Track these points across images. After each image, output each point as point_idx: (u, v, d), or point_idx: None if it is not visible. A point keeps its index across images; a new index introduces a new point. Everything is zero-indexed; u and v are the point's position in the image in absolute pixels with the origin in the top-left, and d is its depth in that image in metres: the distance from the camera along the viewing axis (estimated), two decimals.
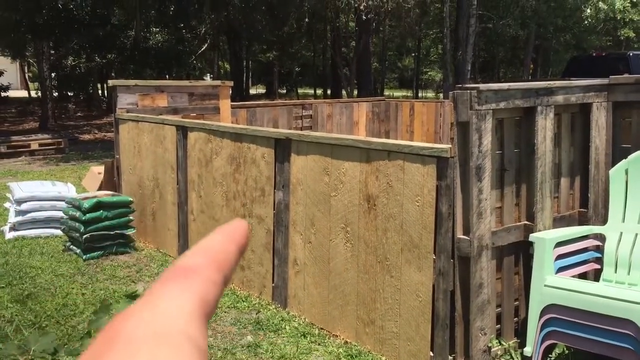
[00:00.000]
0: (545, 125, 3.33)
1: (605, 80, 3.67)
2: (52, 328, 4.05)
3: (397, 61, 46.74)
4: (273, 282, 4.43)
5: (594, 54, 15.44)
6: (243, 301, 4.51)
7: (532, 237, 3.23)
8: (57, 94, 21.58)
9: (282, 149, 4.26)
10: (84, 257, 5.56)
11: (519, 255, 3.44)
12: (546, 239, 3.17)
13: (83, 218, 5.52)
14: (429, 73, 44.06)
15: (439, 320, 3.20)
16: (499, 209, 3.32)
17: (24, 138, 13.19)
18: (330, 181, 3.86)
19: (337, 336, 3.86)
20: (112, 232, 5.68)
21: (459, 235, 3.10)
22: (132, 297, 2.85)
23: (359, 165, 3.64)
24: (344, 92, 26.10)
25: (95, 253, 5.62)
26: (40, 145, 12.92)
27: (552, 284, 3.06)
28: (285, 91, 43.96)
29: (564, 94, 3.43)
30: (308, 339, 3.84)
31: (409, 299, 3.35)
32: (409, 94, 40.18)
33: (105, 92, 34.04)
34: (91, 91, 25.21)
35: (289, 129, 8.84)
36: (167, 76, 16.24)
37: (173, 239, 5.65)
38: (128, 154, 6.37)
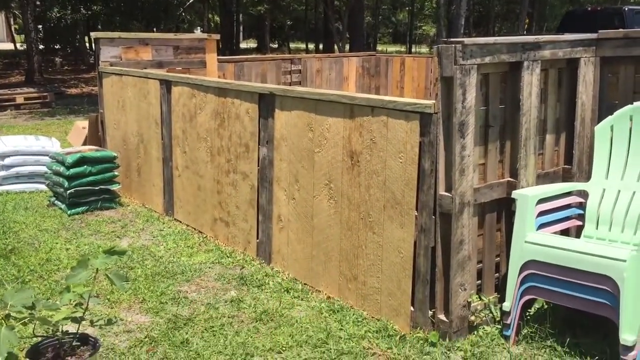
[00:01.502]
0: (531, 81, 3.28)
1: (593, 35, 3.60)
2: (35, 283, 4.05)
3: (392, 15, 45.98)
4: (257, 238, 4.43)
5: (589, 9, 15.23)
6: (228, 257, 4.51)
7: (515, 193, 3.22)
8: (43, 47, 21.14)
9: (266, 104, 4.19)
10: (69, 212, 5.53)
11: (501, 211, 3.44)
12: (528, 195, 3.15)
13: (67, 173, 5.47)
14: (423, 28, 43.47)
15: (419, 275, 3.21)
16: (483, 166, 3.30)
17: (9, 92, 12.97)
18: (314, 137, 3.81)
19: (320, 291, 3.88)
20: (96, 188, 5.64)
21: (441, 192, 3.07)
22: (111, 252, 2.84)
23: (342, 121, 3.59)
24: (335, 47, 25.70)
25: (80, 208, 5.59)
26: (25, 99, 12.72)
27: (532, 240, 3.06)
28: (277, 45, 43.30)
29: (551, 48, 3.36)
30: (291, 294, 3.86)
31: (391, 255, 3.36)
32: (403, 49, 39.70)
33: (92, 44, 33.43)
34: (78, 44, 24.73)
35: (278, 84, 8.73)
36: (154, 29, 15.91)
37: (158, 194, 5.62)
38: (112, 109, 6.27)
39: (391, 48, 42.28)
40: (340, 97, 3.58)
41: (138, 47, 6.61)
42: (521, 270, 3.07)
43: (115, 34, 6.50)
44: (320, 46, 31.33)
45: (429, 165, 3.09)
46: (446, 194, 3.06)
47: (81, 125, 7.07)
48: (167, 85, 5.31)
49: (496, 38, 3.12)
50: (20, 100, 12.60)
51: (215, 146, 4.76)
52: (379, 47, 37.12)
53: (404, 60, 9.31)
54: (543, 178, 3.54)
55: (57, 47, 24.66)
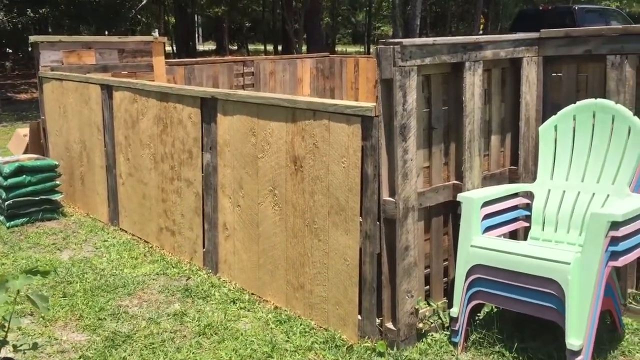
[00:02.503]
0: (473, 82, 3.22)
1: (535, 35, 3.57)
2: None
3: (351, 16, 46.11)
4: (204, 247, 4.28)
5: (541, 8, 15.47)
6: (173, 267, 4.35)
7: (460, 196, 3.16)
8: None
9: (208, 109, 4.05)
10: (7, 224, 5.28)
11: (448, 215, 3.37)
12: (474, 198, 3.10)
13: (4, 183, 5.22)
14: (382, 28, 43.71)
15: (366, 283, 3.12)
16: (427, 169, 3.23)
17: None
18: (257, 142, 3.68)
19: (267, 301, 3.75)
20: (37, 198, 5.39)
21: (385, 197, 2.99)
22: (32, 272, 2.66)
23: (285, 126, 3.47)
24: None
25: (20, 220, 5.34)
26: None
27: (478, 244, 3.00)
28: (236, 47, 42.92)
29: (493, 48, 3.31)
30: (237, 305, 3.73)
31: (337, 263, 3.26)
32: (362, 49, 39.82)
33: None
34: (30, 49, 24.00)
35: (230, 87, 8.57)
36: (106, 32, 15.52)
37: (102, 203, 5.41)
38: (54, 115, 6.02)
39: (351, 49, 42.37)
40: (281, 101, 3.47)
41: (81, 50, 6.38)
42: (468, 274, 3.01)
43: (56, 38, 6.25)
44: (279, 47, 31.18)
45: (372, 169, 3.00)
46: (390, 199, 2.98)
47: (22, 132, 6.78)
48: (108, 90, 5.11)
49: (436, 38, 3.05)
50: None
51: (159, 152, 4.59)
52: (339, 48, 37.19)
53: (358, 61, 9.25)
54: (489, 179, 3.49)
55: (9, 51, 23.87)
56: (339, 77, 9.50)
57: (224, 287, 3.99)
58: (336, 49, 33.78)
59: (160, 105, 4.50)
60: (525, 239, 3.42)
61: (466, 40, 3.17)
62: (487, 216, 3.17)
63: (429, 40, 2.98)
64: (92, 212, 5.59)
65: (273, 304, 3.71)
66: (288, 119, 3.44)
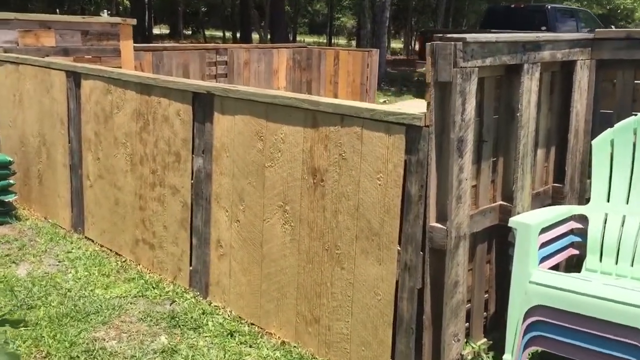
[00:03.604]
0: (530, 87, 2.76)
1: (589, 35, 3.14)
2: None
3: (308, 5, 45.40)
4: (191, 266, 3.70)
5: (512, 6, 15.26)
6: (153, 288, 3.75)
7: (514, 222, 2.69)
8: None
9: (202, 106, 3.46)
10: None
11: (492, 241, 2.92)
12: (531, 224, 2.64)
13: None
14: (341, 19, 43.21)
15: (402, 323, 2.63)
16: (474, 188, 2.76)
17: None
18: (265, 148, 3.13)
19: (271, 334, 3.22)
20: None
21: (432, 222, 2.50)
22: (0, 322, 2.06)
23: (302, 131, 2.93)
24: (255, 36, 24.75)
25: None
26: None
27: (538, 280, 2.55)
28: (190, 32, 41.57)
29: (551, 49, 2.86)
30: (237, 339, 3.18)
31: (365, 297, 2.75)
32: (321, 40, 39.23)
33: None
34: None
35: (202, 77, 7.92)
36: (57, 11, 14.45)
37: (65, 207, 4.73)
38: (7, 103, 5.27)
39: (309, 39, 41.69)
40: (299, 102, 2.92)
41: (39, 31, 5.63)
42: (525, 316, 2.55)
43: (11, 15, 5.48)
44: (238, 35, 30.26)
45: (417, 189, 2.50)
46: (438, 225, 2.49)
47: None
48: (75, 77, 4.43)
49: (497, 35, 2.57)
50: None
51: (137, 153, 3.96)
52: (298, 38, 36.47)
53: (338, 53, 8.75)
54: (534, 199, 3.05)
55: None
56: (317, 70, 8.98)
57: (218, 314, 3.43)
58: (296, 39, 33.13)
59: (141, 98, 3.87)
60: (576, 269, 3.00)
61: (525, 38, 2.70)
62: (543, 244, 2.72)
63: (491, 36, 2.50)
64: (52, 216, 4.90)
65: (279, 337, 3.18)
66: (307, 123, 2.91)
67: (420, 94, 14.86)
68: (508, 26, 13.62)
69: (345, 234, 2.80)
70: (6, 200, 4.80)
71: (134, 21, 6.47)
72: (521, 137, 2.77)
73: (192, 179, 3.61)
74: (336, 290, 2.87)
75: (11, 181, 4.83)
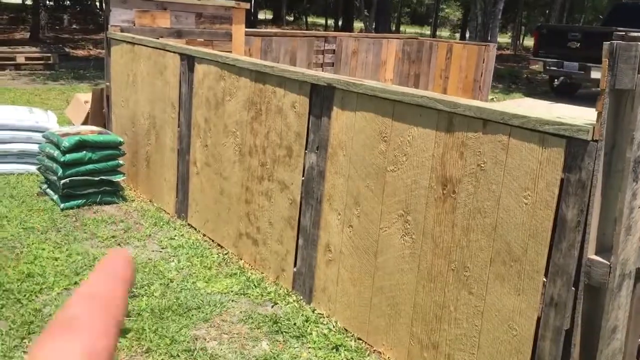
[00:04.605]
0: None
1: None
2: (8, 310, 3.14)
3: None
4: (295, 267, 3.49)
5: None
6: (255, 286, 3.57)
7: None
8: (51, 2, 20.03)
9: (321, 99, 3.22)
10: (62, 205, 4.59)
11: None
12: None
13: (62, 159, 4.52)
14: (446, 10, 42.02)
15: None
16: None
17: (10, 50, 11.95)
18: (388, 150, 2.84)
19: (380, 353, 2.95)
20: (96, 178, 4.69)
21: (591, 255, 2.12)
22: None
23: (433, 134, 2.62)
24: (357, 24, 24.40)
25: (75, 202, 4.65)
26: (27, 58, 11.71)
27: None
28: (292, 18, 41.86)
29: None
30: (342, 354, 2.93)
31: (497, 329, 2.41)
32: (423, 31, 38.35)
33: (103, 4, 32.18)
34: (89, 2, 23.58)
35: (308, 64, 7.73)
36: None
37: (170, 192, 4.67)
38: (120, 83, 5.29)
39: (410, 29, 40.88)
40: (433, 101, 2.61)
41: (155, 11, 5.61)
42: None
43: None
44: (340, 22, 30.07)
45: (575, 214, 2.13)
46: (599, 259, 2.11)
47: (83, 98, 6.09)
48: (189, 61, 4.32)
49: None
50: (21, 59, 11.59)
51: (247, 144, 3.79)
52: (400, 29, 35.80)
53: (452, 46, 8.29)
54: None
55: (67, 3, 23.52)
56: (427, 63, 8.56)
57: (322, 323, 3.19)
58: (399, 29, 32.53)
59: (255, 86, 3.68)
60: None
61: None
62: None
63: None
64: (156, 200, 4.86)
65: (388, 357, 2.90)
66: (440, 126, 2.59)
67: (530, 93, 14.03)
68: (637, 25, 12.53)
69: (478, 255, 2.46)
70: (115, 180, 4.81)
71: (247, 5, 6.36)
72: None
73: (303, 176, 3.39)
74: (461, 317, 2.55)
75: (120, 162, 4.83)
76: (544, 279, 2.24)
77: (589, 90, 15.00)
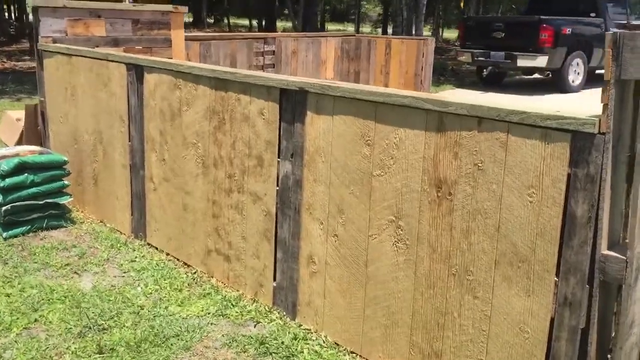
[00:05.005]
0: None
1: None
2: None
3: None
4: (275, 281, 3.32)
5: None
6: (233, 305, 3.38)
7: None
8: None
9: (292, 104, 3.07)
10: (4, 234, 4.22)
11: None
12: None
13: (2, 184, 4.15)
14: (366, 6, 42.57)
15: None
16: None
17: None
18: (373, 154, 2.72)
19: None
20: (41, 202, 4.34)
21: (604, 251, 2.08)
22: None
23: (423, 135, 2.52)
24: (280, 24, 24.22)
25: (20, 229, 4.28)
26: None
27: None
28: (213, 20, 41.12)
29: None
30: None
31: (506, 333, 2.35)
32: (346, 28, 38.66)
33: (13, 14, 30.45)
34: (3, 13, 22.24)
35: (249, 67, 7.54)
36: None
37: (124, 210, 4.38)
38: (57, 98, 4.92)
39: (332, 26, 41.11)
40: (420, 101, 2.51)
41: (88, 19, 5.27)
42: None
43: (60, 2, 5.12)
44: (264, 23, 29.79)
45: (585, 210, 2.08)
46: (614, 254, 2.07)
47: (14, 116, 5.64)
48: (137, 71, 4.05)
49: None
50: None
51: (211, 155, 3.58)
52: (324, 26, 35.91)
53: (390, 42, 8.30)
54: None
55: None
56: (366, 60, 8.54)
57: (311, 339, 3.05)
58: (324, 27, 32.63)
59: (216, 94, 3.48)
60: None
61: None
62: None
63: None
64: (109, 220, 4.55)
65: None
66: (430, 126, 2.49)
67: (460, 84, 14.34)
68: (553, 14, 13.03)
69: (481, 258, 2.39)
70: (61, 202, 4.46)
71: (185, 9, 6.09)
72: None
73: (277, 186, 3.22)
74: (466, 322, 2.47)
75: (66, 182, 4.49)
76: (556, 279, 2.19)
77: (513, 78, 15.51)
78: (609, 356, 2.18)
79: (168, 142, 3.89)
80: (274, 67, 7.82)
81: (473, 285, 2.43)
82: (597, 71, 13.00)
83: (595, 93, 12.33)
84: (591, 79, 12.60)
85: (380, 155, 2.70)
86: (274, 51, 7.80)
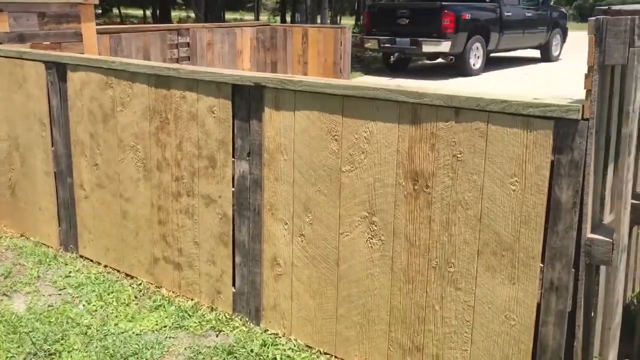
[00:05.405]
0: None
1: None
2: None
3: None
4: (234, 287, 3.16)
5: None
6: (189, 316, 3.19)
7: None
8: None
9: (247, 100, 2.91)
10: None
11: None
12: None
13: None
14: None
15: (546, 352, 2.25)
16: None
17: None
18: (342, 150, 2.63)
19: None
20: None
21: (590, 234, 2.12)
22: None
23: (396, 128, 2.46)
24: (174, 13, 23.38)
25: None
26: None
27: None
28: (101, 11, 39.11)
29: None
30: None
31: (491, 322, 2.35)
32: (244, 17, 38.11)
33: None
34: None
35: (163, 60, 7.19)
36: None
37: (50, 222, 4.02)
38: None
39: (230, 16, 40.34)
40: (392, 93, 2.44)
41: None
42: None
43: None
44: (158, 13, 28.70)
45: (570, 195, 2.11)
46: (600, 237, 2.11)
47: None
48: (58, 69, 3.71)
49: None
50: None
51: (153, 158, 3.35)
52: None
53: (307, 31, 8.21)
54: None
55: None
56: (283, 50, 8.41)
57: (281, 344, 2.93)
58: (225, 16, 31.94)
59: (156, 93, 3.25)
60: None
61: None
62: None
63: None
64: (32, 234, 4.16)
65: None
66: (403, 118, 2.44)
67: (367, 71, 14.52)
68: (453, 0, 13.44)
69: (463, 249, 2.37)
70: None
71: (95, 1, 5.67)
72: None
73: (233, 187, 3.06)
74: (449, 315, 2.45)
75: None
76: (541, 265, 2.21)
77: (416, 63, 15.92)
78: (596, 337, 2.24)
79: (101, 145, 3.59)
80: (189, 60, 7.52)
81: (455, 277, 2.41)
82: (491, 54, 13.59)
83: (495, 76, 12.91)
84: (488, 62, 13.14)
85: (350, 150, 2.61)
86: (188, 43, 7.49)
